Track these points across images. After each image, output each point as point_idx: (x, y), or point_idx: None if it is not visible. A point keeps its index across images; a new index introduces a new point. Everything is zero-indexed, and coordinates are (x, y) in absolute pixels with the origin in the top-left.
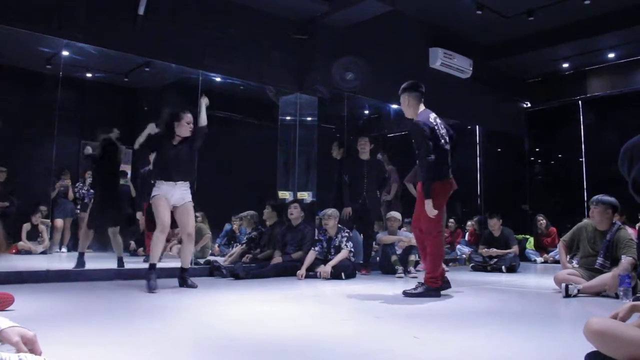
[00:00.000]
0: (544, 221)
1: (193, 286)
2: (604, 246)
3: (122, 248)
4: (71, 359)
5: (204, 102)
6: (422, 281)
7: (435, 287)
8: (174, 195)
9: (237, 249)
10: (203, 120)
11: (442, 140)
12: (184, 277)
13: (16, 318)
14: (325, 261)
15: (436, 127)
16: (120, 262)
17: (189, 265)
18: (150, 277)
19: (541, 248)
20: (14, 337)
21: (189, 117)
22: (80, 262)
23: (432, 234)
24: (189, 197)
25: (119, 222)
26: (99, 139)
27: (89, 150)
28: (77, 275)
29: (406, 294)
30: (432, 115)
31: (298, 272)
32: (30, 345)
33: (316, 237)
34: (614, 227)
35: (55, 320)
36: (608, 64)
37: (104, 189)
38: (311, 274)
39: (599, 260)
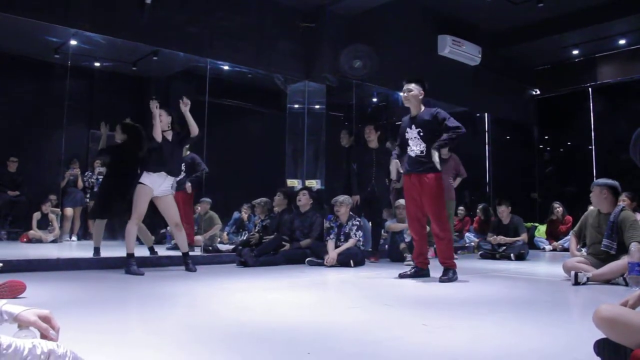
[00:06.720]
0: (561, 209)
1: (192, 270)
2: (609, 227)
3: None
4: (83, 345)
5: (185, 107)
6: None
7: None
8: (160, 186)
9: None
10: (193, 129)
11: None
12: (185, 262)
13: (28, 305)
14: (334, 248)
15: None
16: (153, 250)
17: (187, 249)
18: (131, 265)
19: (553, 235)
20: (32, 317)
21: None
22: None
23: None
24: (170, 190)
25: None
26: (119, 126)
27: None
28: (88, 264)
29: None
30: None
31: (326, 257)
32: (48, 322)
33: (328, 225)
34: (617, 209)
35: (67, 307)
36: (619, 51)
37: (119, 178)
38: (320, 261)
39: (605, 241)
